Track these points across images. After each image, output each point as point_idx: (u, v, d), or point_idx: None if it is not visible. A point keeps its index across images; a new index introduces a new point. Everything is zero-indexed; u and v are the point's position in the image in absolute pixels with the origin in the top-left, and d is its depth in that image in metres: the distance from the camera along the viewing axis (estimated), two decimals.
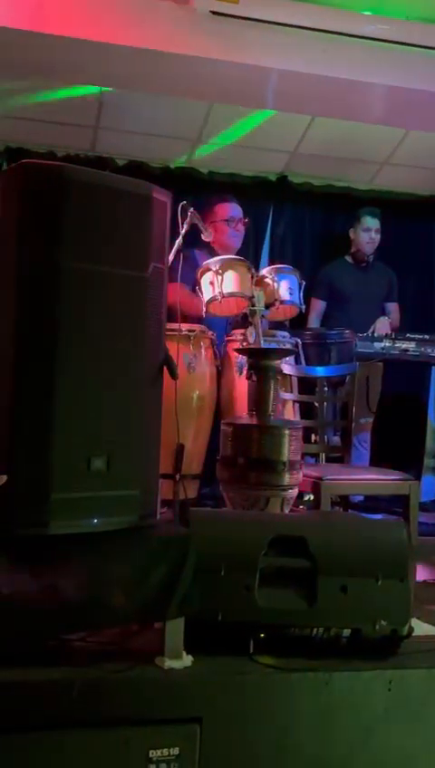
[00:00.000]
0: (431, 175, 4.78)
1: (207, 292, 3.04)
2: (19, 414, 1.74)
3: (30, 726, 1.67)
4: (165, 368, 1.96)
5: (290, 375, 3.14)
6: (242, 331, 3.22)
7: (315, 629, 1.91)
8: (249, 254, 4.41)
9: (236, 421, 2.57)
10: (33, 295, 1.75)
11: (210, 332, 3.27)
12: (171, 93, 3.93)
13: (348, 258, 4.59)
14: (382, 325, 4.29)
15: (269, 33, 3.54)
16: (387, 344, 3.95)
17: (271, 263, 4.35)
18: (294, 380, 3.18)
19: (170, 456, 2.76)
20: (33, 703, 1.69)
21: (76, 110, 4.11)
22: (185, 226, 3.11)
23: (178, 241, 3.06)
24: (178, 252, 2.99)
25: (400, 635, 1.92)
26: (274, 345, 3.16)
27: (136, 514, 1.86)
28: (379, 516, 3.40)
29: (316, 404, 3.23)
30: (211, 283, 3.01)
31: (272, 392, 2.50)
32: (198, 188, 4.45)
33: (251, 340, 2.98)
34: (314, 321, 4.40)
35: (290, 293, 3.11)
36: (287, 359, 3.11)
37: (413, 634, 1.94)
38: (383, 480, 2.83)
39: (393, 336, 3.96)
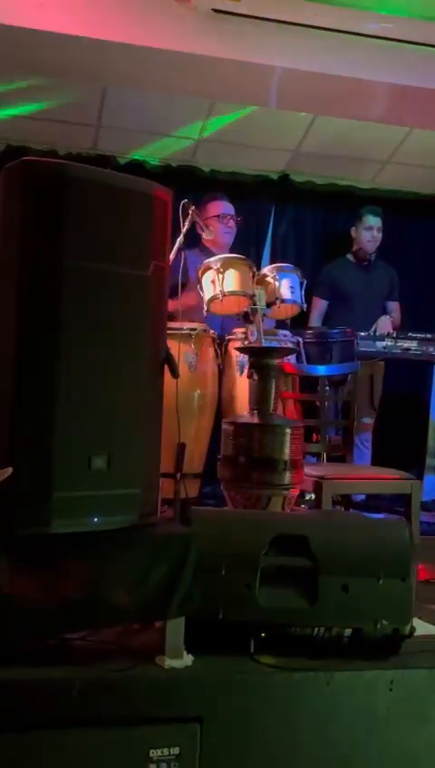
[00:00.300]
0: (434, 174, 4.77)
1: (208, 291, 3.04)
2: (20, 413, 1.73)
3: (30, 726, 1.66)
4: (166, 366, 1.95)
5: (291, 374, 3.13)
6: (243, 329, 3.21)
7: (317, 629, 1.91)
8: (251, 253, 4.41)
9: (237, 420, 2.56)
10: (35, 293, 1.74)
11: (212, 331, 3.27)
12: (173, 91, 3.92)
13: (350, 257, 4.58)
14: (384, 324, 4.28)
15: (271, 30, 3.54)
16: (389, 343, 3.95)
17: (272, 261, 4.34)
18: (296, 379, 3.17)
19: (171, 455, 2.75)
20: (33, 702, 1.69)
21: (77, 108, 4.10)
22: (186, 225, 3.10)
23: (180, 239, 3.05)
24: (178, 250, 2.98)
25: (401, 634, 1.91)
26: (275, 344, 3.15)
27: (137, 513, 1.85)
28: (380, 515, 3.40)
29: (318, 403, 3.22)
30: (212, 282, 3.01)
31: (273, 391, 2.49)
32: (200, 187, 4.44)
33: (252, 338, 2.98)
34: (315, 320, 4.40)
35: (291, 292, 3.11)
36: (289, 357, 3.11)
37: (415, 634, 1.94)
38: (385, 479, 2.82)
39: (395, 335, 3.96)
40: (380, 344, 3.94)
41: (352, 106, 4.04)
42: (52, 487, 1.73)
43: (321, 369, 3.25)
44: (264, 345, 2.93)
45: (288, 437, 2.40)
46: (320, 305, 4.45)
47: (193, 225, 3.16)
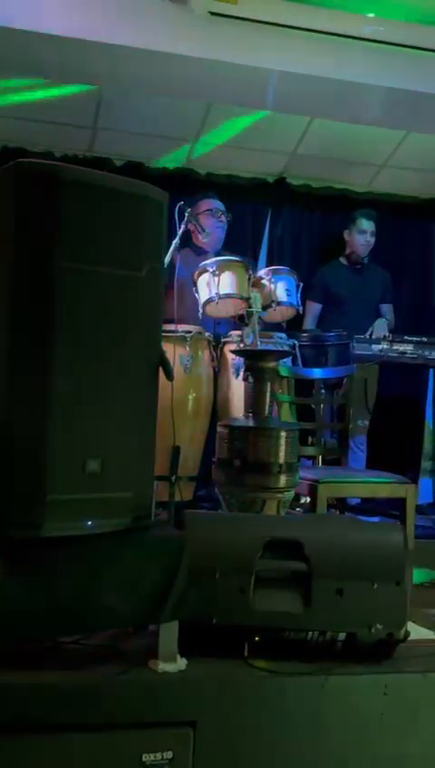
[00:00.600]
0: (430, 178, 4.78)
1: (204, 294, 3.03)
2: (13, 414, 1.73)
3: (22, 729, 1.66)
4: (160, 369, 1.95)
5: (287, 377, 3.13)
6: (239, 332, 3.21)
7: (311, 633, 1.90)
8: (247, 256, 4.39)
9: (232, 423, 2.56)
10: (28, 295, 1.73)
11: (207, 334, 3.27)
12: (169, 94, 3.92)
13: (343, 260, 4.59)
14: (380, 327, 4.28)
15: (268, 34, 3.54)
16: (385, 346, 3.95)
17: (269, 264, 4.34)
18: (291, 382, 3.17)
19: (166, 458, 2.75)
20: (25, 706, 1.68)
21: (74, 110, 4.10)
22: (182, 227, 3.10)
23: (175, 242, 3.05)
24: (174, 252, 2.98)
25: (396, 639, 1.90)
26: (271, 347, 3.15)
27: (130, 517, 1.84)
28: (375, 519, 3.40)
29: (313, 406, 3.22)
30: (208, 285, 3.00)
31: (268, 394, 2.49)
32: (196, 190, 4.44)
33: (248, 341, 2.97)
34: (309, 324, 4.39)
35: (287, 295, 3.11)
36: (284, 360, 3.10)
37: (409, 638, 1.93)
38: (381, 483, 2.82)
39: (391, 338, 3.96)
40: (376, 347, 3.94)
41: (349, 109, 4.05)
42: (45, 490, 1.72)
43: (316, 372, 3.24)
44: (259, 348, 2.92)
45: (283, 441, 2.40)
46: (313, 308, 4.45)
47: (189, 229, 3.16)
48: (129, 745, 1.70)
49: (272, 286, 3.09)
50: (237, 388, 3.12)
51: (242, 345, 3.09)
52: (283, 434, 2.41)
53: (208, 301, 3.01)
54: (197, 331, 3.19)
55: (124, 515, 1.83)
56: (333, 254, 4.65)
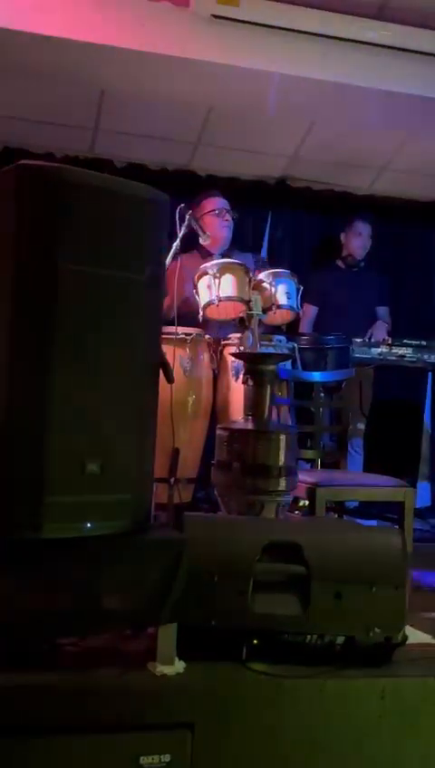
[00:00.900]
0: (430, 181, 4.79)
1: (204, 296, 3.03)
2: (13, 415, 1.73)
3: (19, 731, 1.66)
4: (161, 371, 1.95)
5: (286, 380, 3.13)
6: (239, 334, 3.21)
7: (309, 636, 1.90)
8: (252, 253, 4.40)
9: (231, 426, 2.56)
10: (30, 297, 1.73)
11: (207, 336, 3.27)
12: (171, 96, 3.92)
13: (339, 263, 4.59)
14: (380, 331, 4.29)
15: (269, 37, 3.54)
16: (384, 350, 3.95)
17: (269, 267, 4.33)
18: (291, 385, 3.17)
19: (165, 460, 2.75)
20: (22, 707, 1.68)
21: (75, 111, 4.10)
22: (183, 230, 3.10)
23: (176, 244, 3.05)
24: (175, 255, 2.98)
25: (394, 643, 1.90)
26: (270, 350, 3.15)
27: (130, 519, 1.84)
28: (373, 522, 3.40)
29: (312, 409, 3.22)
30: (208, 287, 3.00)
31: (268, 397, 2.49)
32: (197, 191, 4.44)
33: (248, 344, 2.98)
34: (306, 327, 4.39)
35: (287, 298, 3.11)
36: (284, 363, 3.11)
37: (407, 642, 1.93)
38: (379, 486, 2.82)
39: (391, 342, 3.96)
40: (375, 351, 3.95)
41: (350, 113, 4.05)
42: (44, 491, 1.72)
43: (316, 376, 3.25)
44: (259, 351, 2.92)
45: (283, 444, 2.40)
46: (310, 311, 4.45)
47: (190, 231, 3.16)
48: (126, 747, 1.70)
49: (272, 289, 3.09)
50: (237, 391, 3.12)
51: (242, 348, 3.09)
52: (282, 437, 2.41)
53: (209, 303, 3.01)
54: (196, 333, 3.19)
55: (123, 517, 1.83)
56: (330, 257, 4.66)
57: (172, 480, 2.80)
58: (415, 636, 2.08)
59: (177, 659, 1.81)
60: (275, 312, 3.10)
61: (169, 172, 4.58)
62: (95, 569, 1.78)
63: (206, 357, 3.23)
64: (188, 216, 3.13)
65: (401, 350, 3.99)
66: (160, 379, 1.95)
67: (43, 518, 1.72)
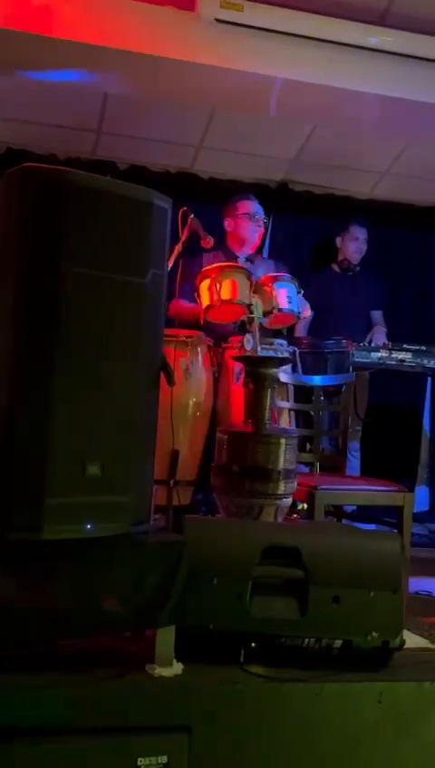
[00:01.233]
0: (431, 186, 4.80)
1: (205, 299, 3.04)
2: (15, 416, 1.73)
3: (17, 732, 1.66)
4: (162, 373, 1.95)
5: (287, 383, 3.14)
6: (239, 338, 3.22)
7: (307, 640, 1.91)
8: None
9: (231, 429, 2.57)
10: (33, 299, 1.74)
11: (208, 339, 3.27)
12: (174, 99, 3.93)
13: (335, 267, 4.60)
14: (379, 335, 4.29)
15: (273, 41, 3.55)
16: (384, 354, 3.95)
17: (273, 264, 4.34)
18: (291, 389, 3.18)
19: (165, 462, 2.76)
20: (21, 708, 1.68)
21: (79, 113, 4.11)
22: (185, 233, 3.11)
23: (178, 247, 3.06)
24: (177, 258, 2.99)
25: (391, 647, 1.91)
26: (271, 353, 3.16)
27: (130, 521, 1.85)
28: (371, 526, 3.40)
29: (312, 413, 3.23)
30: (209, 290, 3.01)
31: (268, 400, 2.50)
32: (199, 194, 4.46)
33: (248, 347, 2.98)
34: (301, 330, 4.39)
35: (288, 302, 3.11)
36: (284, 367, 3.11)
37: (405, 646, 1.94)
38: (378, 490, 2.83)
39: (390, 346, 3.97)
40: (375, 355, 3.95)
41: (352, 118, 4.06)
42: (45, 493, 1.73)
43: (316, 380, 3.26)
44: (260, 354, 2.93)
45: (283, 447, 2.41)
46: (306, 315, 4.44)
47: (192, 234, 3.17)
48: (124, 749, 1.70)
49: (273, 293, 3.10)
50: (237, 394, 3.13)
51: (242, 351, 3.09)
52: (282, 440, 2.42)
53: (210, 306, 3.02)
54: (198, 336, 3.20)
55: (123, 519, 1.84)
56: (326, 261, 4.66)
57: (171, 482, 2.80)
58: (412, 640, 2.09)
59: (175, 661, 1.82)
60: (275, 316, 3.10)
61: (171, 174, 4.59)
62: (95, 570, 1.79)
63: (206, 359, 3.23)
64: (190, 220, 3.13)
65: (401, 355, 4.00)
66: (161, 381, 1.96)
67: (44, 519, 1.72)
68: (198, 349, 3.20)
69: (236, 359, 2.98)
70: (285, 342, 3.39)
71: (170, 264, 2.92)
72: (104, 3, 3.43)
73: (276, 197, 4.81)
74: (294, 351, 3.39)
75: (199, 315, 3.09)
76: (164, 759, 1.70)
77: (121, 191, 1.86)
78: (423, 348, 4.01)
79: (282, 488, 2.40)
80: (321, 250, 4.79)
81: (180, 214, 3.11)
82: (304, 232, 4.93)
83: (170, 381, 1.96)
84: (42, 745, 1.67)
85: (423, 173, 4.64)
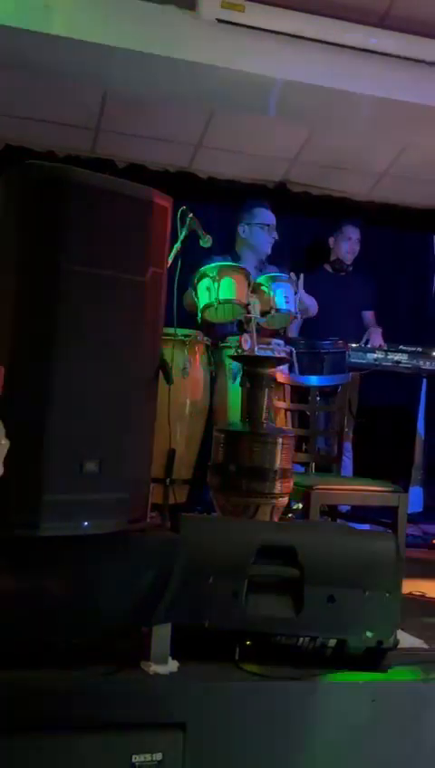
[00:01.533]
0: (429, 188, 4.81)
1: (203, 298, 3.05)
2: (13, 413, 1.73)
3: (11, 729, 1.66)
4: (160, 372, 1.96)
5: (284, 384, 3.14)
6: (237, 337, 3.22)
7: (302, 639, 1.91)
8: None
9: (228, 428, 2.57)
10: (32, 296, 1.75)
11: (205, 338, 3.28)
12: (174, 98, 3.93)
13: (327, 267, 4.60)
14: (376, 337, 4.30)
15: (273, 42, 3.56)
16: (380, 356, 3.96)
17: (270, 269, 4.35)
18: (287, 389, 3.18)
19: (161, 460, 2.76)
20: (15, 705, 1.68)
21: (78, 111, 4.11)
22: (184, 231, 3.11)
23: (177, 246, 3.06)
24: (176, 257, 2.99)
25: (385, 647, 1.92)
26: (268, 353, 3.16)
27: (127, 518, 1.86)
28: (365, 526, 3.42)
29: (308, 413, 3.24)
30: (208, 289, 3.02)
31: (266, 400, 2.50)
32: (197, 193, 4.46)
33: (246, 347, 2.99)
34: (293, 330, 4.40)
35: (286, 302, 3.12)
36: (281, 367, 3.12)
37: (398, 646, 1.95)
38: (373, 491, 2.84)
39: (386, 348, 3.98)
40: (371, 356, 3.96)
41: (351, 119, 4.07)
42: (42, 490, 1.74)
43: (313, 380, 3.27)
44: (257, 354, 2.94)
45: (279, 447, 2.41)
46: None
47: (191, 233, 3.17)
48: (118, 746, 1.71)
49: (271, 293, 3.11)
50: (233, 394, 3.14)
51: (240, 351, 3.10)
52: (279, 440, 2.43)
53: (208, 305, 3.02)
54: (195, 335, 3.20)
55: (120, 517, 1.84)
56: (319, 261, 4.66)
57: (168, 481, 2.81)
58: (406, 640, 2.10)
59: (170, 659, 1.82)
60: (273, 316, 3.11)
61: (170, 173, 4.58)
62: (91, 568, 1.80)
63: (204, 359, 3.24)
64: (189, 219, 3.14)
65: (397, 356, 4.01)
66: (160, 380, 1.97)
67: (41, 516, 1.73)
68: (196, 348, 3.20)
69: (235, 358, 2.99)
70: (282, 342, 3.39)
71: (169, 263, 2.92)
72: (105, 1, 3.43)
73: (275, 198, 4.81)
74: (292, 352, 3.40)
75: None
76: (159, 756, 1.70)
77: (122, 189, 1.87)
78: (419, 349, 4.03)
79: (278, 488, 2.41)
80: (314, 250, 4.79)
81: (180, 213, 3.11)
82: (302, 233, 4.93)
83: (169, 380, 1.96)
84: (37, 742, 1.67)
85: (422, 175, 4.65)
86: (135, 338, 1.87)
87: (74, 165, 2.58)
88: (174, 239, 3.13)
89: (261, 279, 3.18)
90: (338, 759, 1.83)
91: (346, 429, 4.04)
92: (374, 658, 1.93)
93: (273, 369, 2.58)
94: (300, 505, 2.87)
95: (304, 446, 3.24)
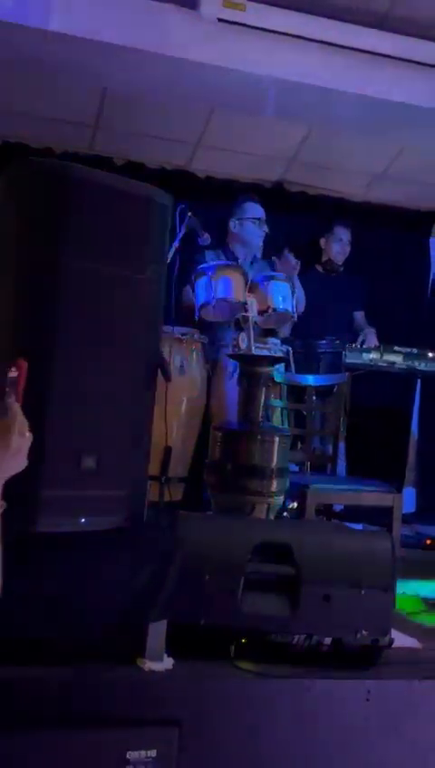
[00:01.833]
0: (425, 190, 4.82)
1: (200, 296, 3.05)
2: None
3: (5, 725, 1.66)
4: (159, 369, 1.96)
5: (280, 383, 3.15)
6: (233, 336, 3.23)
7: (297, 637, 1.92)
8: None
9: (226, 426, 2.58)
10: (32, 292, 1.75)
11: (202, 336, 3.28)
12: (173, 97, 3.93)
13: (318, 268, 4.60)
14: (371, 337, 4.31)
15: (273, 42, 3.56)
16: (375, 356, 3.97)
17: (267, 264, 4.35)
18: (284, 388, 3.19)
19: (157, 458, 2.77)
20: (9, 701, 1.68)
21: (77, 108, 4.10)
22: (183, 230, 3.12)
23: (176, 244, 3.06)
24: (175, 254, 3.00)
25: (380, 645, 1.93)
26: (265, 352, 3.17)
27: (124, 515, 1.86)
28: (359, 526, 3.43)
29: (304, 412, 3.24)
30: (205, 288, 3.02)
31: (262, 399, 2.51)
32: (195, 192, 4.45)
33: (243, 346, 3.00)
34: (285, 330, 4.40)
35: (283, 301, 3.13)
36: (278, 366, 3.13)
37: (394, 645, 1.96)
38: (369, 491, 2.85)
39: (382, 348, 3.99)
40: (366, 356, 3.97)
41: (349, 120, 4.08)
42: (40, 485, 1.73)
43: (309, 379, 3.27)
44: (254, 353, 2.94)
45: (276, 446, 2.42)
46: None
47: (190, 231, 3.18)
48: (113, 742, 1.70)
49: (268, 292, 3.12)
50: (229, 392, 3.14)
51: (237, 349, 3.11)
52: (276, 439, 2.44)
53: (205, 304, 3.03)
54: (192, 333, 3.21)
55: (118, 514, 1.85)
56: (310, 262, 4.66)
57: (163, 478, 2.81)
58: (401, 639, 2.11)
59: (166, 656, 1.83)
60: (270, 315, 3.12)
61: (168, 172, 4.58)
62: (88, 564, 1.79)
63: (200, 357, 3.24)
64: (188, 217, 3.14)
65: (392, 357, 4.02)
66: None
67: (39, 512, 1.73)
68: (193, 346, 3.21)
69: (233, 357, 2.99)
70: (278, 341, 3.40)
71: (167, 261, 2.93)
72: None
73: (272, 197, 4.81)
74: (288, 351, 3.40)
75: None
76: (153, 753, 1.70)
77: (123, 186, 1.87)
78: (415, 351, 4.04)
79: (275, 486, 2.42)
80: (304, 251, 4.79)
81: (178, 211, 3.11)
82: (299, 232, 4.93)
83: (167, 377, 1.96)
84: (31, 739, 1.67)
85: (418, 176, 4.66)
86: (134, 334, 1.87)
87: (72, 162, 2.58)
88: (172, 237, 3.14)
89: (258, 278, 3.19)
90: (333, 756, 1.84)
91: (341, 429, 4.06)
92: (369, 657, 1.94)
93: (270, 368, 2.58)
94: (295, 504, 2.88)
95: (299, 445, 3.24)
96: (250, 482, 2.40)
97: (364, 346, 4.10)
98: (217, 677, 1.83)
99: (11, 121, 4.17)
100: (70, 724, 1.70)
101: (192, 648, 1.86)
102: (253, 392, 2.50)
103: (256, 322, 3.05)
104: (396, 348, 4.03)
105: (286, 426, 3.18)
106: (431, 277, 5.19)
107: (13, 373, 1.34)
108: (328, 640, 1.92)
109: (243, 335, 2.98)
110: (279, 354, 3.24)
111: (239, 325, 3.08)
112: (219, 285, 3.00)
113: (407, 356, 4.05)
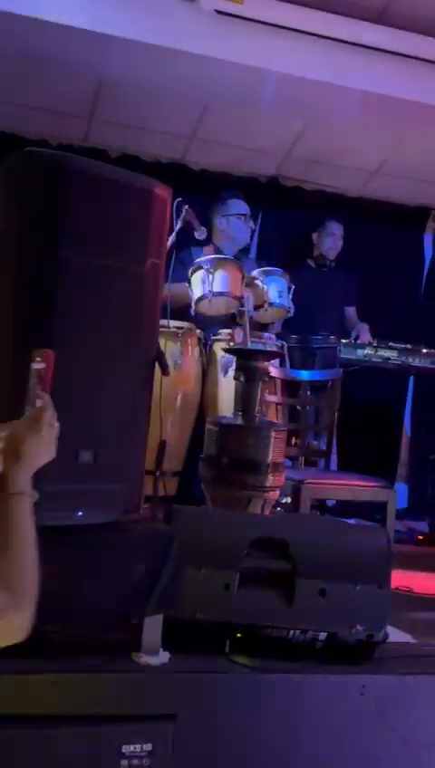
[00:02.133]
0: (421, 186, 4.83)
1: (197, 291, 3.04)
2: (8, 403, 1.72)
3: (1, 719, 1.66)
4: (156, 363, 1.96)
5: (275, 377, 3.15)
6: (229, 330, 3.22)
7: (292, 631, 1.92)
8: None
9: (221, 421, 2.58)
10: (32, 284, 1.73)
11: (197, 330, 3.28)
12: (169, 89, 3.91)
13: (310, 262, 4.60)
14: (364, 333, 4.31)
15: (270, 35, 3.55)
16: (370, 352, 3.98)
17: (258, 265, 4.35)
18: (278, 383, 3.19)
19: (152, 452, 2.75)
20: (4, 695, 1.68)
21: (72, 99, 4.08)
22: (179, 224, 3.10)
23: (172, 238, 3.05)
24: (171, 249, 2.98)
25: (375, 640, 1.93)
26: (260, 346, 3.17)
27: (120, 509, 1.85)
28: (352, 521, 3.44)
29: (299, 407, 3.25)
30: (202, 282, 3.01)
31: (258, 394, 2.51)
32: (190, 185, 4.43)
33: (239, 340, 2.99)
34: (276, 326, 4.40)
35: (279, 296, 3.13)
36: (273, 361, 3.12)
37: (388, 640, 1.97)
38: (363, 486, 2.86)
39: (376, 344, 3.99)
40: (361, 352, 3.98)
41: (346, 115, 4.07)
42: (36, 478, 1.72)
43: (304, 374, 3.27)
44: (250, 347, 2.94)
45: (271, 440, 2.42)
46: None
47: (187, 225, 3.16)
48: (108, 736, 1.71)
49: (265, 287, 3.11)
50: (224, 387, 3.14)
51: (232, 344, 3.10)
52: (271, 433, 2.43)
53: (201, 298, 3.02)
54: (188, 327, 3.20)
55: (114, 508, 1.84)
56: (301, 257, 4.66)
57: (158, 472, 2.80)
58: (396, 634, 2.12)
59: (161, 650, 1.83)
60: (266, 310, 3.11)
61: (163, 164, 4.56)
62: (84, 558, 1.79)
63: (196, 351, 3.24)
64: (184, 211, 3.13)
65: (386, 353, 4.03)
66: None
67: (35, 505, 1.72)
68: (189, 340, 3.20)
69: (228, 350, 2.99)
70: (274, 336, 3.40)
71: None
72: None
73: (267, 192, 4.81)
74: (283, 345, 3.40)
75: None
76: (149, 747, 1.71)
77: (122, 179, 1.86)
78: (409, 347, 4.05)
79: (270, 481, 2.41)
80: (296, 246, 4.78)
81: (175, 205, 3.10)
82: (294, 228, 4.93)
83: (165, 371, 1.96)
84: (26, 732, 1.67)
85: (415, 172, 4.66)
86: (133, 328, 1.86)
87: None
88: (169, 231, 3.13)
89: (255, 273, 3.18)
90: (326, 750, 1.84)
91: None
92: (364, 652, 1.95)
93: (266, 363, 2.58)
94: (289, 499, 2.88)
95: (293, 441, 3.24)
96: (246, 476, 2.39)
97: (358, 341, 4.10)
98: (212, 672, 1.84)
99: (5, 112, 4.14)
100: (65, 718, 1.70)
101: (188, 643, 1.86)
102: (250, 387, 2.50)
103: (251, 317, 3.04)
104: (391, 344, 4.04)
105: (279, 421, 3.18)
106: (425, 273, 5.20)
107: (38, 364, 1.33)
108: (323, 635, 1.93)
109: (239, 330, 2.98)
110: (274, 349, 3.23)
111: (235, 320, 3.07)
112: (216, 279, 2.99)
113: (401, 352, 4.06)
